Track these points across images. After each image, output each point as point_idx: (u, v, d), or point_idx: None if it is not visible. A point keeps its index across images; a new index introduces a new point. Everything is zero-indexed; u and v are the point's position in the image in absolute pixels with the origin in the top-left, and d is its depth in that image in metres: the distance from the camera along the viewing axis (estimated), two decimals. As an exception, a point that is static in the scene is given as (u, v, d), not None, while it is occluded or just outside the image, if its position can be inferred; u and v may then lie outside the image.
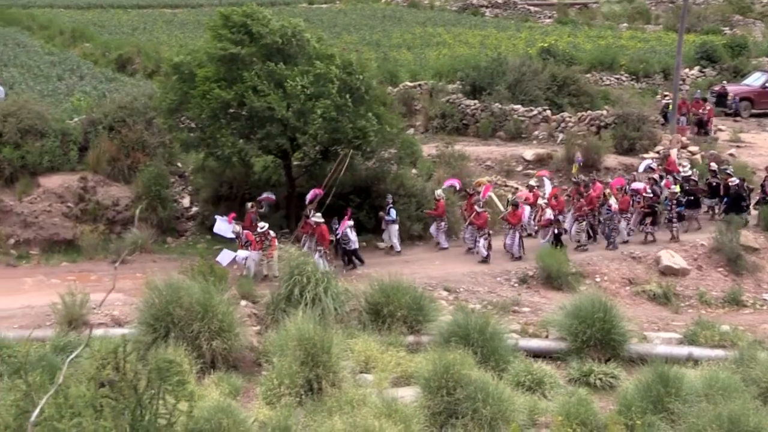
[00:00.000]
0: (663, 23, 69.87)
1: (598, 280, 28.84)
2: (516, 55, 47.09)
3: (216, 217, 28.60)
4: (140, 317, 21.01)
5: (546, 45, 50.45)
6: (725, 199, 33.23)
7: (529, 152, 37.73)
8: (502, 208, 30.77)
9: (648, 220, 31.41)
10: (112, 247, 29.29)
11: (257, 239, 26.96)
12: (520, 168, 36.67)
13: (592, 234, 31.09)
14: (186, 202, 32.14)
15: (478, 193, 30.97)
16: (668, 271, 29.68)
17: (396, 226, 29.96)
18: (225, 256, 26.77)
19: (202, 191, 31.99)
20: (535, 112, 40.68)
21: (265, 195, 29.82)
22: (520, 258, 29.61)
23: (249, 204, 29.02)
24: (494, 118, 40.51)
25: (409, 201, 30.76)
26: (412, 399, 17.92)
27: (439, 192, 30.51)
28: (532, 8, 76.33)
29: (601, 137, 37.93)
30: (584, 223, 30.84)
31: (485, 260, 29.30)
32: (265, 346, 21.32)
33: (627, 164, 36.47)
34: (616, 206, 30.88)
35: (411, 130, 39.82)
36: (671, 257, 30.15)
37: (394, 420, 16.18)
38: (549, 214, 30.04)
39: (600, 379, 20.97)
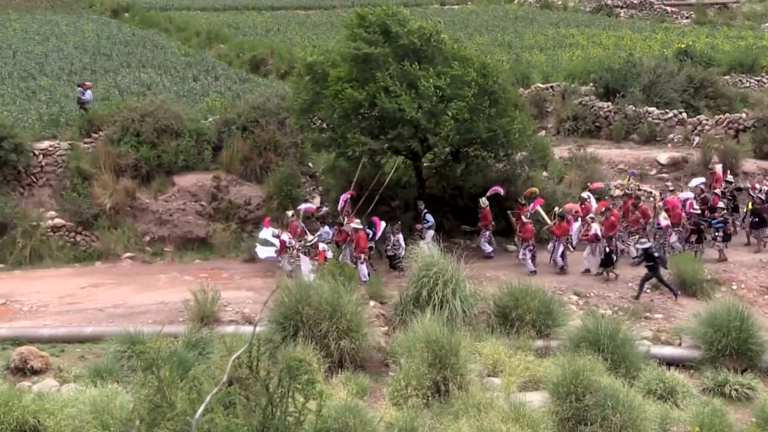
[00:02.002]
0: (808, 23, 67.64)
1: (734, 287, 28.05)
2: (651, 56, 46.17)
3: (263, 227, 28.53)
4: (270, 316, 21.27)
5: (683, 46, 49.27)
6: None
7: (663, 156, 36.93)
8: (549, 221, 29.83)
9: (693, 237, 30.02)
10: (243, 245, 29.76)
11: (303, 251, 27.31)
12: (654, 172, 35.94)
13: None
14: (316, 202, 32.37)
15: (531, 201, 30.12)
16: (810, 280, 28.70)
17: (432, 231, 29.15)
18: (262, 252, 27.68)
19: (333, 191, 32.20)
20: (670, 115, 39.79)
21: (304, 206, 29.77)
22: (561, 270, 28.59)
23: (290, 213, 29.13)
24: (628, 121, 39.78)
25: (539, 204, 30.38)
26: (540, 404, 17.73)
27: (483, 200, 29.76)
28: (669, 8, 74.55)
29: (740, 141, 36.97)
30: (636, 236, 29.59)
31: (534, 272, 28.16)
32: (392, 347, 21.38)
33: (767, 169, 35.38)
34: (666, 222, 29.69)
35: (542, 132, 39.43)
36: (813, 265, 29.16)
37: (521, 425, 16.04)
38: (595, 229, 28.65)
39: (736, 389, 20.43)
